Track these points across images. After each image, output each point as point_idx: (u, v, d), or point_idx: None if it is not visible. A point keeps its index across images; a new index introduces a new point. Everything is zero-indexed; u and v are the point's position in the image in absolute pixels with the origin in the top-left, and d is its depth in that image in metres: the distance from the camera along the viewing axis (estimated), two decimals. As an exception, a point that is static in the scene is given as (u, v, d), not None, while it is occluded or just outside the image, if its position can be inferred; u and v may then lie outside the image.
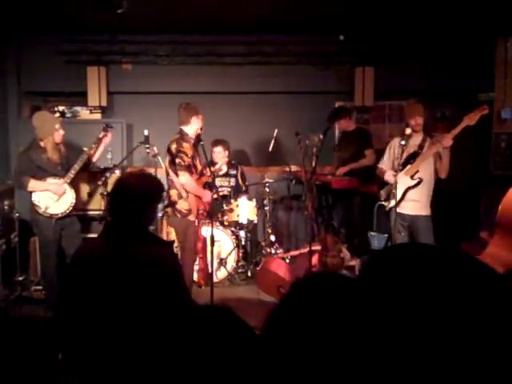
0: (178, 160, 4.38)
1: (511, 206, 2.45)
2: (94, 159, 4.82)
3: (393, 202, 4.37)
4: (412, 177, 4.28)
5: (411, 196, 4.30)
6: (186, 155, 4.39)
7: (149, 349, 1.01)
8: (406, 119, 4.56)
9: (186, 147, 4.42)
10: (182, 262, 4.52)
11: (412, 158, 4.28)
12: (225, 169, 5.92)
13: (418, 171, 4.28)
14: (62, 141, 4.62)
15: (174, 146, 4.42)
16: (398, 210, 4.33)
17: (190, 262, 4.61)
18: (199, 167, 4.65)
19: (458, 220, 5.96)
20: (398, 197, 4.31)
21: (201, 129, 4.46)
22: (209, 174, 4.63)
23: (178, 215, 4.49)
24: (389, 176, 4.46)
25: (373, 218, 5.19)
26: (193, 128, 4.51)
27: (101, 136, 4.76)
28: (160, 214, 5.58)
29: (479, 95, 6.54)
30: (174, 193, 4.49)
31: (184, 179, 4.40)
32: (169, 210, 4.65)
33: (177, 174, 4.43)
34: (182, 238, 4.58)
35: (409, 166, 4.28)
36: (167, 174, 4.55)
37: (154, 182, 2.30)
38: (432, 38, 6.32)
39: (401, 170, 4.31)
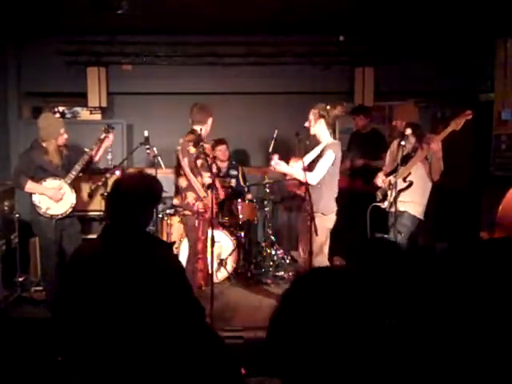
0: (201, 161, 4.34)
1: (511, 206, 2.45)
2: (96, 159, 4.81)
3: (386, 203, 4.39)
4: (404, 179, 4.27)
5: (403, 198, 4.29)
6: (208, 156, 4.35)
7: (153, 349, 1.03)
8: (394, 118, 4.57)
9: (208, 148, 4.41)
10: (201, 257, 4.56)
11: (405, 160, 4.27)
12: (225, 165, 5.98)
13: (409, 174, 4.27)
14: (65, 143, 4.64)
15: (194, 148, 4.32)
16: (392, 210, 4.33)
17: (206, 255, 4.63)
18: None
19: (458, 220, 5.96)
20: (392, 198, 4.33)
21: (200, 129, 4.45)
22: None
23: (197, 214, 4.45)
24: (378, 179, 4.47)
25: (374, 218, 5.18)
26: (207, 129, 4.51)
27: (102, 137, 4.75)
28: (160, 216, 5.58)
29: (480, 96, 6.54)
30: (190, 195, 4.40)
31: (209, 180, 4.37)
32: (185, 211, 4.56)
33: (200, 175, 4.39)
34: (197, 235, 4.54)
35: (401, 169, 4.26)
36: (177, 175, 4.45)
37: (153, 182, 2.28)
38: (432, 39, 6.32)
39: (395, 172, 4.31)
